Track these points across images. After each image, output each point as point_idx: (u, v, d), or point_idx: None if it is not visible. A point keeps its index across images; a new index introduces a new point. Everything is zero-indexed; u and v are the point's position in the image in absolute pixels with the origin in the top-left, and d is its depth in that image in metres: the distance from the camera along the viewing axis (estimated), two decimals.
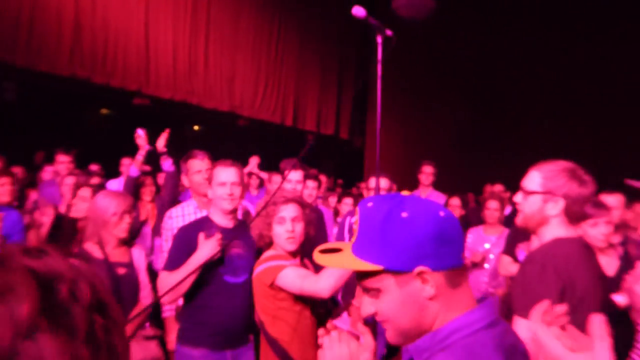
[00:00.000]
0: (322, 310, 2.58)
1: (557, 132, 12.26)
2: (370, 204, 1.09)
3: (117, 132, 9.16)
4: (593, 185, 2.00)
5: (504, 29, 13.27)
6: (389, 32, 2.59)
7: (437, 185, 6.02)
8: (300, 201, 2.65)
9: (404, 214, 1.03)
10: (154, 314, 3.20)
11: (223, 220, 2.85)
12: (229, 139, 11.45)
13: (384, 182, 4.36)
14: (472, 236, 4.81)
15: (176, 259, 2.70)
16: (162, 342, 3.08)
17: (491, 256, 4.52)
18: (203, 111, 10.77)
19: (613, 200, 3.74)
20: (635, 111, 11.16)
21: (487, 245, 4.63)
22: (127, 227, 2.94)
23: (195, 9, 10.39)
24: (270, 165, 10.37)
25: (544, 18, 12.64)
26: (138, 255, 3.08)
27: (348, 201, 6.38)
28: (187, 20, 10.23)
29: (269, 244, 2.62)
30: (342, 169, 14.50)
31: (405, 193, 1.13)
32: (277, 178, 5.49)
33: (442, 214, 1.05)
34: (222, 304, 2.73)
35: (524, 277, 1.91)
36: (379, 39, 2.48)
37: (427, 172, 5.78)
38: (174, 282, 2.54)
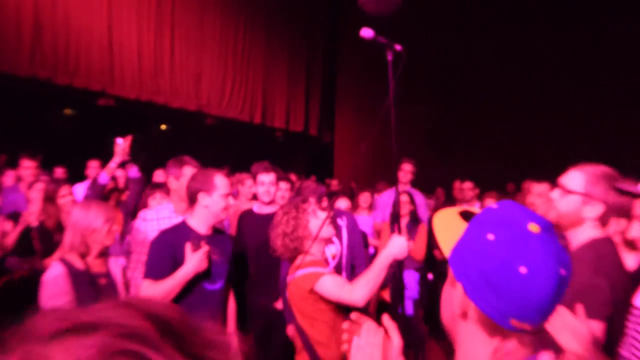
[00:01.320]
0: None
1: (525, 128, 12.46)
2: (490, 237, 0.96)
3: (81, 133, 8.99)
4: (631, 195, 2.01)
5: (474, 26, 13.42)
6: (398, 47, 2.56)
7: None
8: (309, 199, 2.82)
9: (523, 270, 0.91)
10: None
11: (203, 228, 2.84)
12: (196, 138, 11.33)
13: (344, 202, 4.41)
14: None
15: (159, 268, 2.65)
16: None
17: None
18: (170, 111, 10.62)
19: (541, 188, 3.89)
20: (603, 107, 11.41)
21: None
22: (114, 235, 2.94)
23: (159, 7, 10.22)
24: (240, 164, 10.33)
25: (513, 15, 12.81)
26: (114, 266, 3.05)
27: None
28: (152, 18, 10.06)
29: (297, 248, 2.66)
30: (312, 165, 14.48)
31: (533, 227, 0.96)
32: (249, 181, 5.44)
33: (563, 272, 0.93)
34: (197, 310, 2.69)
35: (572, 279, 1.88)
36: (389, 56, 2.41)
37: (406, 170, 5.79)
38: (160, 292, 2.56)
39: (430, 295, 5.70)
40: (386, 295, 4.76)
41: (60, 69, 8.52)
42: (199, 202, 2.84)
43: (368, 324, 1.34)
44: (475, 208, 1.11)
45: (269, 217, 4.02)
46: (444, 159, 13.29)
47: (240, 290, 3.62)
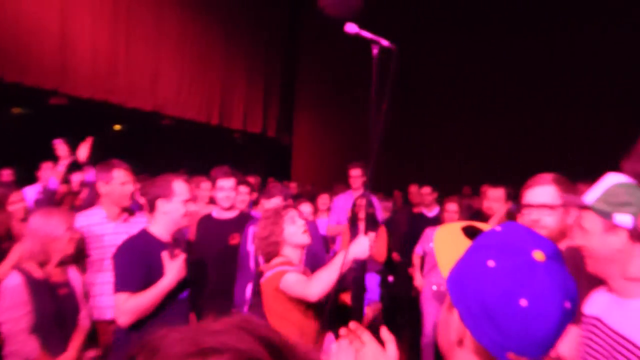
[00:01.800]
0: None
1: (480, 131, 12.69)
2: (491, 264, 0.90)
3: (32, 133, 8.69)
4: None
5: (429, 28, 13.59)
6: (384, 42, 2.42)
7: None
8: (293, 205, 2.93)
9: (524, 302, 0.85)
10: (92, 334, 3.04)
11: (165, 235, 2.78)
12: (153, 139, 11.14)
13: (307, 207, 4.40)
14: (431, 235, 4.88)
15: (135, 279, 2.55)
16: None
17: None
18: (125, 111, 10.39)
19: (497, 193, 3.96)
20: (557, 110, 11.71)
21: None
22: (75, 243, 2.90)
23: (115, 3, 9.97)
24: (197, 165, 10.19)
25: (467, 17, 13.03)
26: (74, 275, 2.97)
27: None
28: (107, 14, 9.80)
29: (275, 252, 2.71)
30: (271, 167, 14.43)
31: (538, 255, 0.90)
32: (205, 184, 5.37)
33: (568, 305, 0.87)
34: (171, 321, 2.58)
35: None
36: (375, 51, 2.39)
37: (354, 176, 5.77)
38: (142, 305, 2.50)
39: (390, 298, 5.75)
40: (347, 298, 4.77)
41: (10, 66, 8.21)
42: (158, 209, 2.77)
43: (366, 336, 1.32)
44: (481, 224, 1.06)
45: (229, 223, 3.98)
46: (400, 161, 13.44)
47: (198, 298, 3.56)
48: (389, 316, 5.75)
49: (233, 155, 13.46)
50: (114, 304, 2.59)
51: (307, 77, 15.76)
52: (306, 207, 4.34)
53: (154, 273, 2.61)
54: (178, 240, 2.88)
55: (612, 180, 1.60)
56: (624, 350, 1.48)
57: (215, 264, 3.92)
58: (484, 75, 12.70)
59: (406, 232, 6.22)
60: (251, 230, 3.74)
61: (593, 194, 1.62)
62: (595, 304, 1.71)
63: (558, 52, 11.66)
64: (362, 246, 2.40)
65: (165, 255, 2.63)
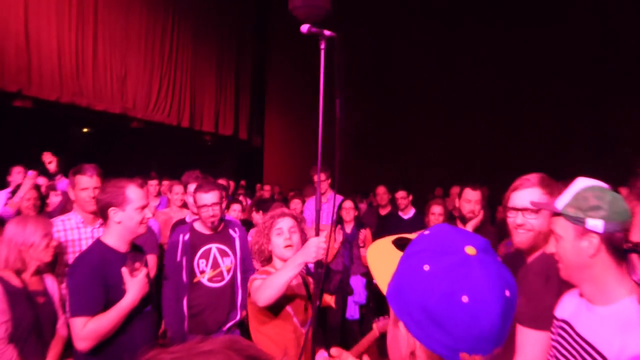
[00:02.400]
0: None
1: (442, 132, 12.81)
2: (426, 268, 0.89)
3: None
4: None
5: (401, 31, 13.67)
6: (327, 33, 2.41)
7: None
8: (295, 215, 2.77)
9: (465, 299, 0.84)
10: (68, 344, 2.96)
11: (122, 245, 2.60)
12: (122, 142, 10.95)
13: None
14: None
15: (94, 301, 2.39)
16: None
17: None
18: (93, 113, 10.18)
19: (474, 195, 3.99)
20: (526, 114, 11.88)
21: None
22: (53, 251, 2.83)
23: (80, 3, 9.74)
24: (167, 169, 10.06)
25: (442, 20, 13.12)
26: (51, 283, 2.90)
27: (236, 207, 5.48)
28: (73, 15, 9.58)
29: (269, 260, 2.69)
30: (242, 170, 14.34)
31: (470, 250, 0.89)
32: (178, 188, 5.28)
33: (507, 293, 0.87)
34: (139, 337, 2.52)
35: (527, 288, 1.87)
36: (322, 45, 2.42)
37: (320, 179, 5.75)
38: (103, 327, 2.35)
39: (377, 300, 5.76)
40: (332, 301, 4.82)
41: None
42: (111, 218, 2.56)
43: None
44: (410, 235, 1.04)
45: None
46: (369, 163, 13.49)
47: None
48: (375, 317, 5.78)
49: (204, 158, 13.34)
50: (71, 329, 2.40)
51: (278, 78, 15.74)
52: (237, 207, 4.30)
53: (112, 289, 2.45)
54: (137, 252, 2.70)
55: (581, 184, 1.59)
56: (588, 357, 1.48)
57: None
58: (455, 77, 12.82)
59: (374, 233, 6.23)
60: (181, 238, 3.51)
61: (563, 200, 1.61)
62: (566, 307, 1.71)
63: (534, 53, 11.81)
64: (311, 249, 2.32)
65: (125, 272, 2.46)
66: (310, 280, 2.78)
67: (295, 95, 15.18)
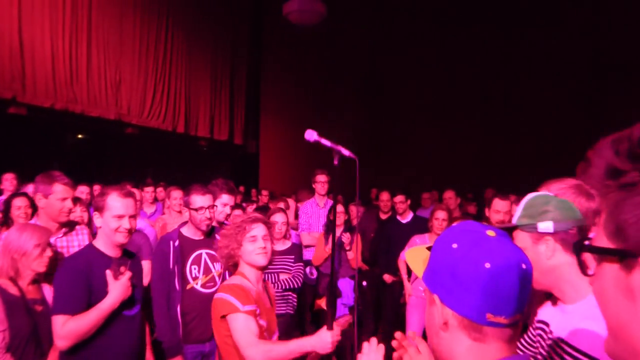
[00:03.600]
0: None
1: (445, 136, 12.83)
2: (455, 246, 1.07)
3: None
4: (598, 199, 2.05)
5: (399, 33, 13.71)
6: (345, 152, 2.59)
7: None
8: (266, 221, 2.72)
9: (488, 265, 1.02)
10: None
11: (110, 250, 2.66)
12: (116, 148, 10.95)
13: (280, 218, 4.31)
14: (419, 243, 4.88)
15: (74, 300, 2.44)
16: None
17: None
18: (87, 120, 10.18)
19: (503, 205, 3.99)
20: (524, 115, 11.92)
21: None
22: (47, 261, 2.78)
23: (74, 9, 9.72)
24: (163, 174, 10.06)
25: (439, 22, 13.18)
26: (49, 292, 2.87)
27: (237, 213, 5.63)
28: (67, 21, 9.57)
29: (235, 265, 2.62)
30: (238, 175, 14.34)
31: (490, 233, 1.09)
32: (176, 193, 5.27)
33: (524, 266, 1.04)
34: (119, 340, 2.56)
35: None
36: (335, 161, 2.57)
37: (321, 181, 5.78)
38: (83, 327, 2.39)
39: (364, 302, 5.78)
40: (322, 303, 4.88)
41: None
42: (95, 222, 2.67)
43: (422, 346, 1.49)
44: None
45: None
46: (369, 168, 13.50)
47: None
48: (360, 322, 5.82)
49: (200, 163, 13.34)
50: (52, 327, 2.45)
51: (272, 83, 15.76)
52: (280, 217, 4.28)
53: (96, 292, 2.50)
54: (126, 258, 2.74)
55: (529, 196, 1.70)
56: (564, 354, 1.52)
57: None
58: (454, 80, 12.86)
59: (375, 238, 6.25)
60: (171, 245, 3.45)
61: (516, 214, 1.71)
62: (546, 309, 1.77)
63: (532, 55, 11.86)
64: (325, 343, 2.29)
65: (109, 273, 2.51)
66: (270, 285, 2.85)
67: (290, 100, 15.22)
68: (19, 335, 2.59)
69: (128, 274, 2.57)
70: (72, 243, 3.39)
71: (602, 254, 0.75)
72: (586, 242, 0.80)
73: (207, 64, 13.74)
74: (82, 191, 5.77)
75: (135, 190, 5.20)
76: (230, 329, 2.39)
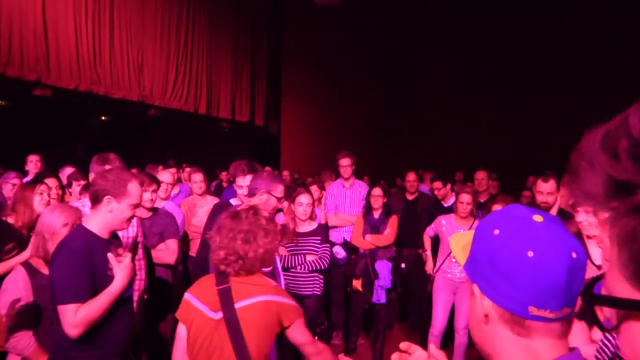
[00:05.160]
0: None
1: (468, 117, 12.68)
2: (496, 232, 0.97)
3: (16, 125, 8.56)
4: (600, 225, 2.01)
5: (417, 15, 13.53)
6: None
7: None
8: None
9: (530, 254, 0.91)
10: None
11: (104, 233, 2.59)
12: (139, 129, 11.01)
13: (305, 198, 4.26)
14: (447, 223, 4.83)
15: (83, 287, 2.38)
16: None
17: None
18: (110, 101, 10.24)
19: (545, 187, 3.93)
20: (543, 99, 11.72)
21: None
22: None
23: None
24: (185, 156, 10.11)
25: (457, 2, 12.97)
26: None
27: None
28: (89, 4, 9.59)
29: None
30: (259, 156, 14.35)
31: (537, 218, 0.97)
32: (197, 176, 5.26)
33: (574, 255, 0.92)
34: (117, 323, 2.52)
35: None
36: None
37: (344, 165, 5.75)
38: (94, 313, 2.35)
39: (403, 284, 5.77)
40: (359, 284, 4.89)
41: None
42: (103, 205, 2.55)
43: (418, 354, 1.36)
44: None
45: None
46: (390, 148, 13.43)
47: None
48: (402, 302, 5.87)
49: (221, 144, 13.38)
50: (61, 317, 2.35)
51: (293, 63, 15.70)
52: (305, 198, 4.24)
53: (98, 275, 2.46)
54: (117, 240, 2.75)
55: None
56: None
57: None
58: (477, 60, 12.67)
59: (401, 218, 6.17)
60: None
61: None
62: None
63: (555, 39, 11.64)
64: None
65: (111, 257, 2.46)
66: None
67: (311, 80, 15.14)
68: (43, 315, 2.62)
69: (129, 256, 2.53)
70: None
71: (629, 308, 0.58)
72: (598, 290, 0.65)
73: (229, 45, 13.73)
74: (32, 160, 5.86)
75: (172, 172, 5.22)
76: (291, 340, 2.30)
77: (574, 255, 0.91)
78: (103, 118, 11.15)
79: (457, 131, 12.64)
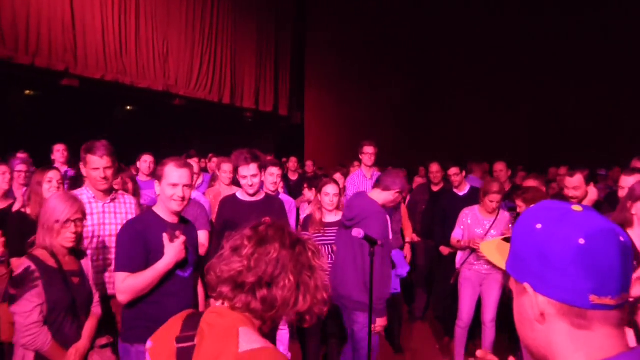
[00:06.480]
0: None
1: (492, 106, 12.53)
2: (539, 226, 0.94)
3: (44, 115, 8.72)
4: None
5: (441, 2, 13.38)
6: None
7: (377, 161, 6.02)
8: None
9: (582, 241, 0.89)
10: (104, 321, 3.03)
11: (169, 217, 2.80)
12: (164, 119, 11.12)
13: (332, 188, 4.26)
14: (471, 216, 4.80)
15: (135, 260, 2.63)
16: (115, 348, 2.91)
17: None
18: (136, 91, 10.36)
19: (571, 182, 3.86)
20: (569, 90, 11.52)
21: (479, 231, 4.66)
22: (73, 237, 2.72)
23: None
24: (209, 145, 10.18)
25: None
26: (86, 263, 2.92)
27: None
28: None
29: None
30: (283, 146, 14.38)
31: (576, 207, 0.96)
32: (227, 166, 5.27)
33: (622, 239, 0.91)
34: (174, 299, 2.69)
35: None
36: None
37: (368, 153, 5.73)
38: (141, 284, 2.59)
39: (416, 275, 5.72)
40: None
41: (21, 48, 8.19)
42: (155, 190, 2.83)
43: None
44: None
45: (252, 205, 3.86)
46: (414, 138, 13.35)
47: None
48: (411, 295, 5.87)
49: (245, 134, 13.43)
50: (115, 283, 2.70)
51: (317, 54, 15.66)
52: (331, 189, 4.22)
53: (153, 253, 2.67)
54: (183, 225, 2.85)
55: None
56: None
57: None
58: (500, 53, 12.49)
59: (426, 209, 6.14)
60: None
61: None
62: None
63: (582, 30, 11.42)
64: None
65: (165, 237, 2.66)
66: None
67: (335, 70, 15.09)
68: (57, 307, 2.61)
69: (182, 238, 2.70)
70: (120, 208, 3.56)
71: None
72: None
73: (253, 36, 13.75)
74: (146, 160, 5.90)
75: (194, 162, 5.25)
76: None
77: (621, 238, 0.90)
78: (128, 108, 11.29)
79: (481, 120, 12.50)
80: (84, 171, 3.46)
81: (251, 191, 3.80)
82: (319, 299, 1.43)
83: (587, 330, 0.91)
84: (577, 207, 0.95)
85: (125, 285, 2.59)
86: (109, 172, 3.41)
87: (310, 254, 1.46)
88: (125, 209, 3.56)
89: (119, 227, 3.40)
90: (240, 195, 3.88)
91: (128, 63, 10.08)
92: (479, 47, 12.75)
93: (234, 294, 1.39)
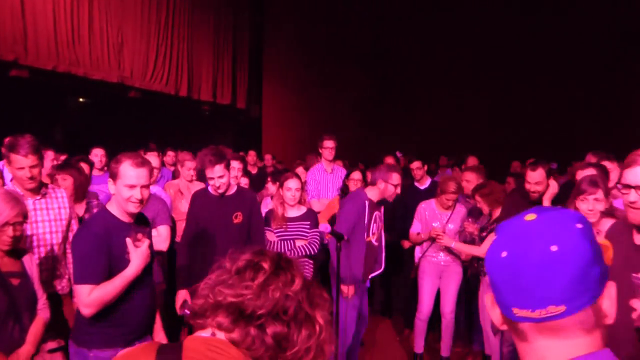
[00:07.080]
0: None
1: (452, 102, 12.68)
2: (504, 254, 0.91)
3: None
4: None
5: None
6: None
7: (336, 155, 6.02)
8: None
9: (504, 254, 0.90)
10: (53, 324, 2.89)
11: (124, 216, 2.61)
12: (119, 111, 10.82)
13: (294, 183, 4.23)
14: (428, 210, 4.84)
15: (99, 269, 2.45)
16: (66, 353, 2.78)
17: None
18: (89, 83, 10.02)
19: (533, 176, 3.91)
20: (528, 86, 11.76)
21: (436, 224, 4.73)
22: (9, 240, 2.55)
23: None
24: (166, 139, 9.96)
25: None
26: (29, 263, 2.74)
27: (244, 181, 5.35)
28: None
29: None
30: (241, 139, 14.25)
31: (529, 218, 0.92)
32: (190, 164, 5.14)
33: (553, 248, 0.86)
34: (136, 302, 2.59)
35: None
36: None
37: (329, 147, 5.73)
38: (108, 294, 2.44)
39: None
40: None
41: None
42: (112, 190, 2.61)
43: None
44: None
45: (224, 199, 3.76)
46: (374, 133, 13.42)
47: (193, 277, 3.41)
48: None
49: (203, 127, 13.24)
50: (76, 296, 2.48)
51: (276, 47, 15.55)
52: (293, 183, 4.16)
53: (116, 258, 2.51)
54: (140, 224, 2.71)
55: None
56: None
57: (211, 239, 3.66)
58: (465, 47, 12.63)
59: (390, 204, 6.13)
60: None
61: None
62: None
63: (543, 18, 11.65)
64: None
65: (129, 242, 2.51)
66: None
67: (293, 64, 15.02)
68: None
69: (147, 242, 2.58)
70: (52, 204, 3.40)
71: None
72: None
73: (210, 27, 13.55)
74: (97, 154, 5.68)
75: (154, 156, 5.09)
76: None
77: (553, 248, 0.85)
78: (82, 100, 10.93)
79: (442, 116, 12.64)
80: (7, 169, 3.27)
81: (219, 191, 3.71)
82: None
83: (525, 342, 0.92)
84: (530, 217, 0.92)
85: (92, 298, 2.41)
86: (35, 171, 3.19)
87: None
88: (57, 203, 3.39)
89: (53, 224, 3.31)
90: (212, 189, 3.78)
91: (81, 54, 9.73)
92: (438, 41, 12.88)
93: (234, 325, 1.15)
